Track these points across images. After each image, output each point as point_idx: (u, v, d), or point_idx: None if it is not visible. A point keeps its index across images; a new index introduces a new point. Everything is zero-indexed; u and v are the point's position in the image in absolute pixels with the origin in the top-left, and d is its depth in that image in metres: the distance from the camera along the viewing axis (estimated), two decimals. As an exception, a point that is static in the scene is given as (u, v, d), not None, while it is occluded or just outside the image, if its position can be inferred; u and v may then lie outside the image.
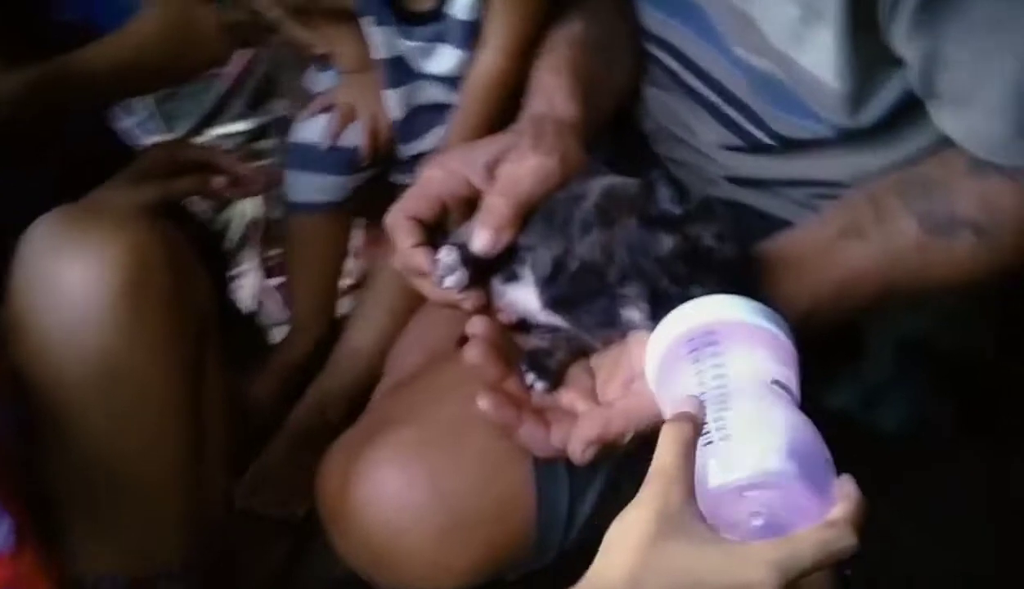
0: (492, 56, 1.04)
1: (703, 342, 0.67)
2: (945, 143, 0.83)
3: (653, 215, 0.73)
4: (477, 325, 0.79)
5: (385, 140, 1.16)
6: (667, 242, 0.72)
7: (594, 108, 0.90)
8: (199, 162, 1.13)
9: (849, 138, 0.89)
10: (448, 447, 0.83)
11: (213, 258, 1.28)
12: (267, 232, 1.68)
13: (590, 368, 0.80)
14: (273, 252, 1.65)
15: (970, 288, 0.83)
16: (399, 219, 0.81)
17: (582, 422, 0.74)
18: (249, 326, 1.45)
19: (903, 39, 0.78)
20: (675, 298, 0.70)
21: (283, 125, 1.68)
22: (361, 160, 1.17)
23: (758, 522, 0.59)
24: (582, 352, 0.81)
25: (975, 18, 0.74)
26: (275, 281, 1.62)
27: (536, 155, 0.79)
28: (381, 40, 1.07)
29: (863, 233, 0.81)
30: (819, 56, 0.82)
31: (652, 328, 0.71)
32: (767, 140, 0.94)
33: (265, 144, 1.79)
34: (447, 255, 0.78)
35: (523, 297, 0.79)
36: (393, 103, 1.12)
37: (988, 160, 0.80)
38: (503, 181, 0.79)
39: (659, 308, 0.71)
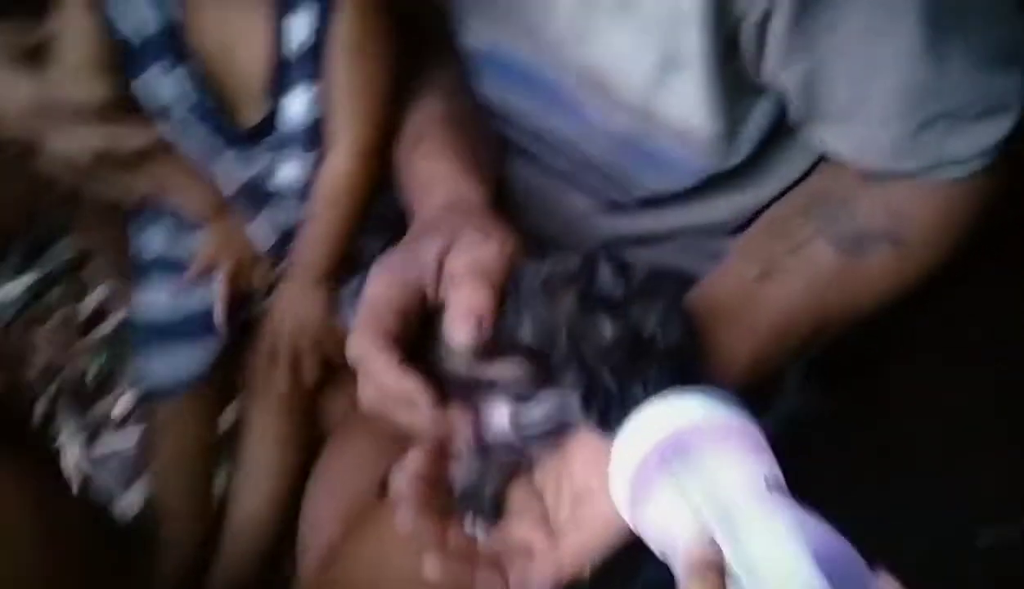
0: (344, 158, 0.95)
1: (673, 453, 0.60)
2: (817, 165, 0.82)
3: (594, 296, 0.66)
4: (400, 480, 0.70)
5: (264, 282, 1.05)
6: (607, 329, 0.65)
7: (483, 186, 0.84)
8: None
9: (722, 180, 0.86)
10: None
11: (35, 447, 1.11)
12: (78, 392, 1.50)
13: (535, 489, 0.73)
14: (92, 412, 1.47)
15: (896, 299, 0.80)
16: (369, 342, 0.68)
17: (533, 571, 0.67)
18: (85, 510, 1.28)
19: (776, 67, 0.75)
20: (614, 394, 0.64)
21: (70, 270, 1.52)
22: (241, 318, 1.06)
23: None
24: (518, 471, 0.73)
25: (851, 29, 0.72)
26: (103, 448, 1.45)
27: (491, 239, 0.71)
28: (225, 170, 0.96)
29: (783, 269, 0.77)
30: (684, 102, 0.78)
31: (588, 423, 0.65)
32: (633, 201, 0.90)
33: (53, 296, 1.59)
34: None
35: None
36: (262, 233, 1.01)
37: (881, 169, 0.78)
38: (467, 269, 0.69)
39: (596, 402, 0.65)
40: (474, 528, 0.70)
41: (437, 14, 0.92)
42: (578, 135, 0.87)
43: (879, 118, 0.75)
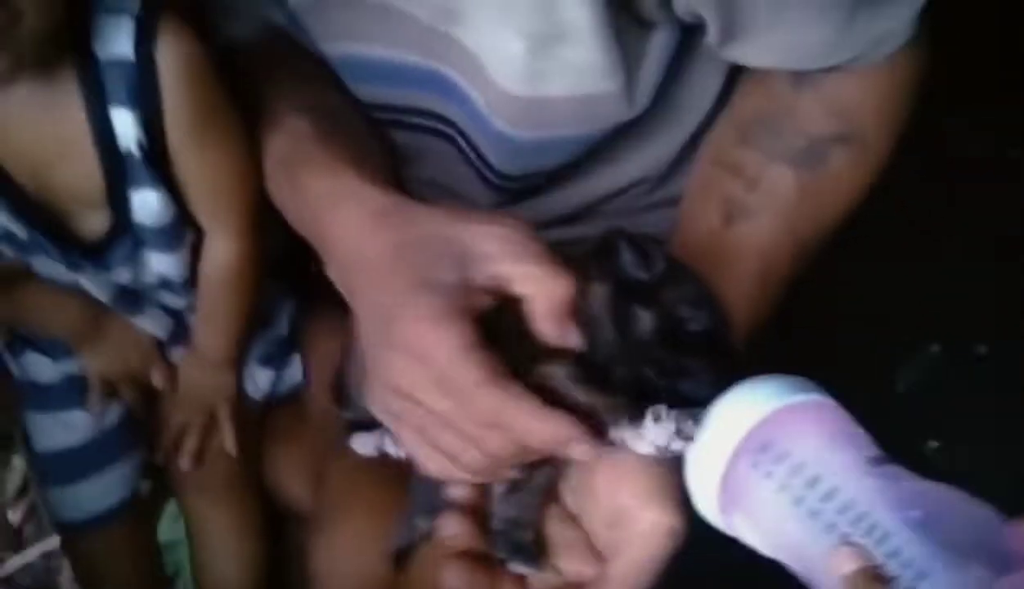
0: (224, 247, 0.84)
1: (762, 451, 0.56)
2: (723, 95, 0.79)
3: (621, 281, 0.61)
4: (448, 534, 0.65)
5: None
6: (646, 320, 0.60)
7: None
8: None
9: (627, 136, 0.81)
10: None
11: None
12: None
13: (568, 512, 0.67)
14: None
15: (861, 201, 0.76)
16: (501, 394, 0.59)
17: None
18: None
19: None
20: (662, 392, 0.60)
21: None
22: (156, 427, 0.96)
23: None
24: (550, 493, 0.67)
25: None
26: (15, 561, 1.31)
27: (500, 222, 0.63)
28: (90, 281, 0.84)
29: (747, 209, 0.72)
30: (576, 73, 0.71)
31: (640, 428, 0.61)
32: (544, 181, 0.84)
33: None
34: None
35: None
36: (154, 324, 0.91)
37: (815, 67, 0.72)
38: (531, 261, 0.61)
39: (645, 403, 0.60)
40: (519, 567, 0.65)
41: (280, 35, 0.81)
42: (470, 125, 0.79)
43: (807, 20, 0.69)
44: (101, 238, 0.81)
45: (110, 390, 0.93)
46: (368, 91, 0.82)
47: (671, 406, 0.60)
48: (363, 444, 0.80)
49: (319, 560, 0.87)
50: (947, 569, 0.49)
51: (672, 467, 0.63)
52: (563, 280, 0.61)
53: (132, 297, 0.88)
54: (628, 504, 0.62)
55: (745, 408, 0.57)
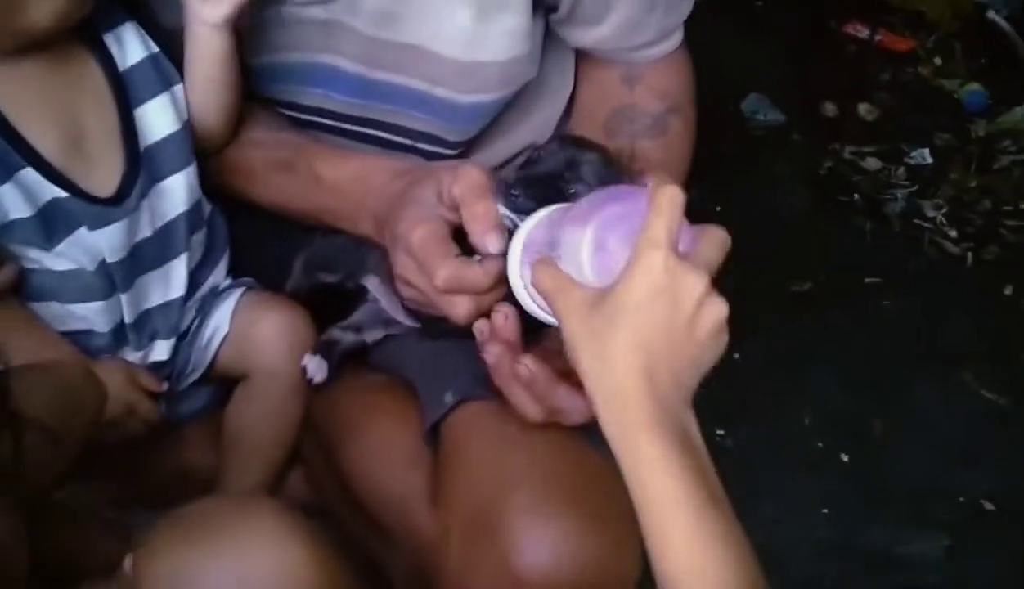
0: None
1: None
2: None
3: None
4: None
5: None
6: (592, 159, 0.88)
7: None
8: None
9: (517, 104, 1.05)
10: None
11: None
12: None
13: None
14: None
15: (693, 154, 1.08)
16: (448, 258, 0.84)
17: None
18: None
19: None
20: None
21: None
22: None
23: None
24: None
25: None
26: None
27: (464, 164, 0.92)
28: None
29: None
30: (509, 36, 0.96)
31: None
32: (471, 140, 1.06)
33: None
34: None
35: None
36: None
37: (634, 50, 1.03)
38: (466, 188, 0.85)
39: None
40: None
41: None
42: (407, 107, 1.01)
43: (622, 6, 0.99)
44: (119, 186, 0.90)
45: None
46: (312, 94, 1.02)
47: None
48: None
49: (353, 461, 0.96)
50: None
51: None
52: (483, 203, 0.84)
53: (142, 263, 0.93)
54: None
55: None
